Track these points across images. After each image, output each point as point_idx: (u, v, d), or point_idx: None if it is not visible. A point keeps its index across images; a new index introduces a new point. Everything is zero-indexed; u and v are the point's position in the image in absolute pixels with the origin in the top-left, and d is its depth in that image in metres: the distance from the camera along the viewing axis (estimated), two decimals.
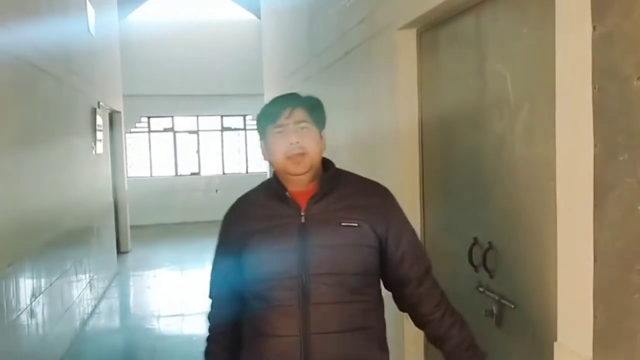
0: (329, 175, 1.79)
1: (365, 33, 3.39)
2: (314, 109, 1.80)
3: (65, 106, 5.08)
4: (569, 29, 1.61)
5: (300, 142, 1.72)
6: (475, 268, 2.41)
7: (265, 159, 1.85)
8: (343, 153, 4.00)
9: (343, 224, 1.72)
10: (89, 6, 6.27)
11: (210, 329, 1.91)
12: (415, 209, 2.94)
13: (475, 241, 2.41)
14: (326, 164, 1.83)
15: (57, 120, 4.76)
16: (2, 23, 3.39)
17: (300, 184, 1.77)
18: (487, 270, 2.31)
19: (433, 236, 2.90)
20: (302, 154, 1.72)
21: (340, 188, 1.79)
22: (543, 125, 1.89)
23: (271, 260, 1.71)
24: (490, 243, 2.30)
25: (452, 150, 2.65)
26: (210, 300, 1.94)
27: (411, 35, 2.88)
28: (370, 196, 1.82)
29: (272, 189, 1.80)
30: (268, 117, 1.78)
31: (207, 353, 1.88)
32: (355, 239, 1.72)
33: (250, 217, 1.79)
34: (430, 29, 2.78)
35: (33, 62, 4.02)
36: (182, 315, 6.13)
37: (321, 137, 1.81)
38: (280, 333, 1.70)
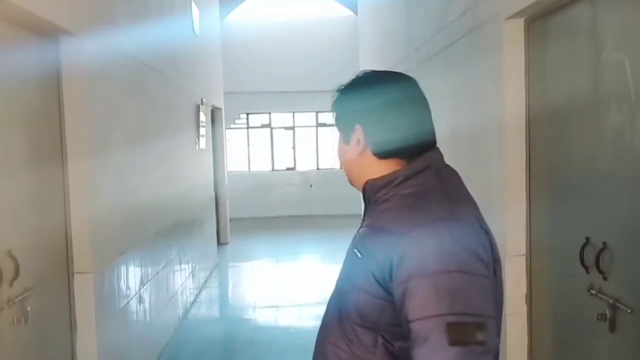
0: (385, 179, 1.32)
1: (468, 25, 3.30)
2: (336, 109, 1.44)
3: (171, 103, 5.31)
4: None
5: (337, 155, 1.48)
6: (587, 269, 2.29)
7: None
8: (443, 149, 3.92)
9: (354, 249, 1.31)
10: (194, 7, 6.52)
11: None
12: (521, 206, 2.83)
13: (587, 241, 2.29)
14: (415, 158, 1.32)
15: (164, 116, 4.99)
16: (119, 25, 3.59)
17: None
18: (600, 271, 2.19)
19: (540, 235, 2.78)
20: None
21: (395, 197, 1.30)
22: None
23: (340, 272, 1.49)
24: (604, 243, 2.17)
25: (562, 145, 2.53)
26: None
27: (519, 25, 2.77)
28: (401, 219, 1.23)
29: None
30: None
31: None
32: (351, 273, 1.31)
33: None
34: (539, 19, 2.67)
35: (144, 61, 4.23)
36: (277, 307, 6.26)
37: (348, 142, 1.38)
38: None
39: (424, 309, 1.11)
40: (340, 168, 1.47)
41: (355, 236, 1.39)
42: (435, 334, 1.09)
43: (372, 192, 1.35)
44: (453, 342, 1.08)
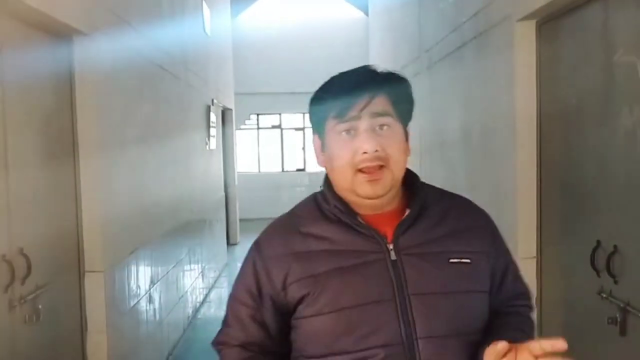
0: (420, 189, 1.25)
1: (480, 26, 3.29)
2: (401, 95, 1.21)
3: (182, 103, 5.33)
4: None
5: (379, 149, 1.15)
6: (598, 272, 2.28)
7: (320, 164, 1.27)
8: (454, 151, 3.92)
9: (452, 259, 1.18)
10: (205, 7, 6.54)
11: None
12: (532, 208, 2.82)
13: (598, 244, 2.28)
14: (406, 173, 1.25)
15: (175, 116, 5.01)
16: (132, 25, 3.61)
17: (374, 207, 1.21)
18: (611, 275, 2.18)
19: (551, 237, 2.77)
20: (382, 167, 1.16)
21: (432, 206, 1.25)
22: None
23: (357, 321, 1.14)
24: (615, 246, 2.16)
25: (574, 148, 2.52)
26: None
27: (530, 27, 2.76)
28: (474, 216, 1.29)
29: (334, 212, 1.22)
30: (330, 105, 1.19)
31: None
32: (468, 282, 1.19)
33: (306, 254, 1.20)
34: (551, 20, 2.66)
35: (156, 62, 4.25)
36: None
37: (407, 139, 1.23)
38: None
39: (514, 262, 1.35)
40: (381, 168, 1.17)
41: (401, 261, 1.17)
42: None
43: (421, 198, 1.24)
44: None
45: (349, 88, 1.17)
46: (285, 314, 1.22)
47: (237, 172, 10.01)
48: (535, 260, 2.83)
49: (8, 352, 2.29)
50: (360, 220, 1.20)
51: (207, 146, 6.69)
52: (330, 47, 12.42)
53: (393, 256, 1.17)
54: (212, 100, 7.03)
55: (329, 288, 1.16)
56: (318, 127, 1.25)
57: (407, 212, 1.22)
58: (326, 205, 1.24)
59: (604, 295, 2.23)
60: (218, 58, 7.76)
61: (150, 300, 3.97)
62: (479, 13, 3.31)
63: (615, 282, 2.17)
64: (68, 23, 2.62)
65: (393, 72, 1.22)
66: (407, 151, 1.22)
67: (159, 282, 4.19)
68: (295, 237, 1.24)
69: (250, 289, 1.25)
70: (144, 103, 3.98)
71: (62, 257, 2.83)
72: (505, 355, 1.06)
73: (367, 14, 10.70)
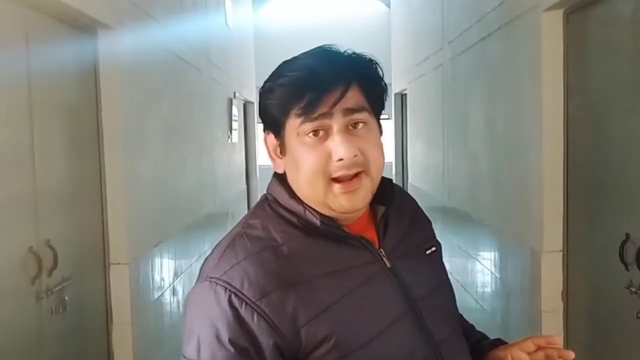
0: (389, 184, 1.11)
1: (505, 16, 3.24)
2: (375, 82, 1.02)
3: (205, 96, 5.34)
4: None
5: (358, 154, 0.96)
6: (626, 266, 2.24)
7: (277, 169, 1.09)
8: (478, 143, 3.87)
9: (427, 251, 1.12)
10: (227, 1, 6.55)
11: None
12: (558, 200, 2.78)
13: (627, 237, 2.24)
14: None
15: (198, 109, 5.02)
16: (155, 18, 3.62)
17: (350, 216, 1.04)
18: None
19: (578, 230, 2.73)
20: (359, 174, 0.97)
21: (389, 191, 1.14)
22: None
23: (386, 351, 0.96)
24: None
25: (602, 141, 2.48)
26: None
27: (558, 16, 2.71)
28: (411, 201, 1.22)
29: (318, 225, 0.99)
30: (291, 99, 0.98)
31: None
32: (443, 271, 1.15)
33: (305, 284, 0.95)
34: (578, 10, 2.61)
35: (179, 55, 4.26)
36: None
37: (381, 134, 1.05)
38: None
39: None
40: (359, 173, 0.99)
41: (394, 267, 1.04)
42: None
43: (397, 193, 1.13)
44: None
45: (315, 77, 0.96)
46: None
47: (259, 165, 10.04)
48: (561, 253, 2.79)
49: (35, 343, 2.33)
50: (347, 230, 1.01)
51: (229, 139, 6.71)
52: (351, 40, 12.17)
53: (387, 263, 1.03)
54: (234, 94, 7.04)
55: (351, 321, 0.95)
56: (274, 125, 1.03)
57: (382, 210, 1.07)
58: (293, 216, 1.02)
59: (633, 289, 2.20)
60: (240, 51, 7.77)
61: (174, 292, 4.00)
62: (504, 3, 3.26)
63: None
64: (93, 16, 2.63)
65: (359, 53, 1.04)
66: (384, 150, 1.04)
67: (182, 275, 4.21)
68: (280, 263, 0.96)
69: (236, 349, 0.91)
70: (167, 96, 4.00)
71: (88, 249, 2.86)
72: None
73: (388, 5, 10.64)
